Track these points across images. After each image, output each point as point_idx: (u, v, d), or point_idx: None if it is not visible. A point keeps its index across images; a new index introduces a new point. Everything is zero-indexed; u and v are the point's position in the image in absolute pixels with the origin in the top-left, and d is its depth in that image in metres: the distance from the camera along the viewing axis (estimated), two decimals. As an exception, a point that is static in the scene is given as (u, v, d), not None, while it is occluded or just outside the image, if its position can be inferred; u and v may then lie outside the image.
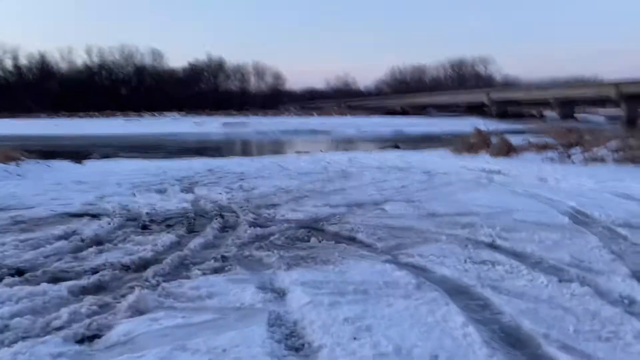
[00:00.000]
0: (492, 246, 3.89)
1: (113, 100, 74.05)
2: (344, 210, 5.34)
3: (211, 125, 51.26)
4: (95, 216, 5.15)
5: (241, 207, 5.58)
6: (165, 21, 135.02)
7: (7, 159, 10.59)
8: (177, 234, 4.32)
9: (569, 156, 9.85)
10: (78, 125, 50.03)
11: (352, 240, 4.10)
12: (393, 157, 11.94)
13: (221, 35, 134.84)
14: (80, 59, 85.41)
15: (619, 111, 45.62)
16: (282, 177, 8.39)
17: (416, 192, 6.52)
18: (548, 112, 65.34)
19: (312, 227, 4.57)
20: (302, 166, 10.34)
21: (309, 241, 4.04)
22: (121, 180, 8.21)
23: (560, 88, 57.67)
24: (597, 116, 56.37)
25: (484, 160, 10.42)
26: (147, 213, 5.29)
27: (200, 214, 5.33)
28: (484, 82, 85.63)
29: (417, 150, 15.44)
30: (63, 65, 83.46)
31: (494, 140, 11.82)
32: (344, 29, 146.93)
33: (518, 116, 63.63)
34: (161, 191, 7.13)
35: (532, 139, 12.07)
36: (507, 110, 64.28)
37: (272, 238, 4.09)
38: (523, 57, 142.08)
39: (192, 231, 4.50)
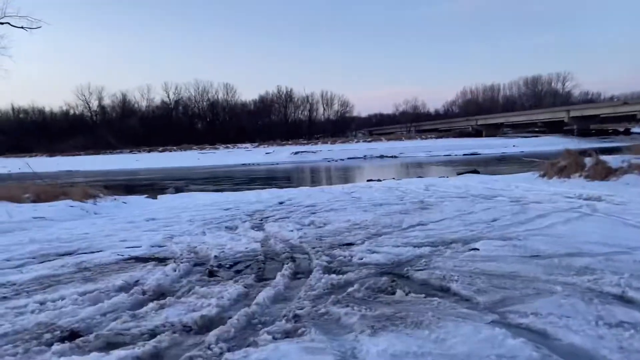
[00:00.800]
0: (625, 300, 3.12)
1: (189, 134, 77.58)
2: (429, 250, 4.70)
3: (281, 155, 52.27)
4: (161, 260, 4.86)
5: (313, 248, 5.11)
6: (236, 57, 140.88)
7: (86, 196, 10.86)
8: (245, 283, 3.88)
9: (682, 178, 8.63)
10: (156, 160, 52.62)
11: (445, 291, 3.46)
12: (474, 183, 11.09)
13: (289, 66, 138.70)
14: (159, 96, 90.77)
15: None
16: (355, 210, 7.87)
17: (510, 226, 5.73)
18: (636, 128, 60.97)
19: (396, 274, 3.98)
20: (375, 196, 9.78)
21: (393, 293, 3.44)
22: (192, 217, 8.05)
23: (649, 101, 53.63)
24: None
25: (579, 185, 9.37)
26: (216, 256, 4.93)
27: (270, 257, 4.90)
28: (562, 99, 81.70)
29: (499, 174, 14.43)
30: (143, 103, 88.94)
31: (587, 161, 10.68)
32: (411, 51, 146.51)
33: (602, 133, 59.66)
34: (231, 228, 6.84)
35: (633, 160, 10.79)
36: (589, 127, 60.50)
37: (350, 289, 3.54)
38: (602, 72, 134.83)
39: (261, 279, 4.05)
